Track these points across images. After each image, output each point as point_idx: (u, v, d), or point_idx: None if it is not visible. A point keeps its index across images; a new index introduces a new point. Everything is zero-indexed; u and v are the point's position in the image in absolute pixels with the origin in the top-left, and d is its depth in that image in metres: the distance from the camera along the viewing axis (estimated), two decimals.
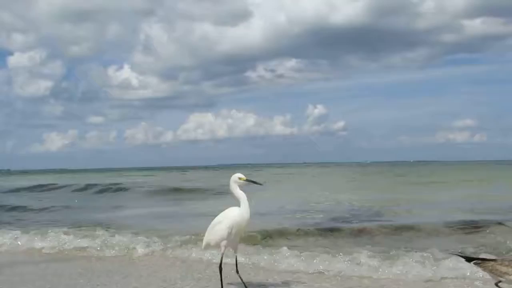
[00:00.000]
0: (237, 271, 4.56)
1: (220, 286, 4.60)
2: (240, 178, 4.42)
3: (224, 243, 4.44)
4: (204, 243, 4.70)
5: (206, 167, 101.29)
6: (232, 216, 4.42)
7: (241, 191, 4.40)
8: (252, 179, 4.50)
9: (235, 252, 4.59)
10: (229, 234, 4.40)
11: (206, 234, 4.64)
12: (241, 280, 4.60)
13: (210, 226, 4.59)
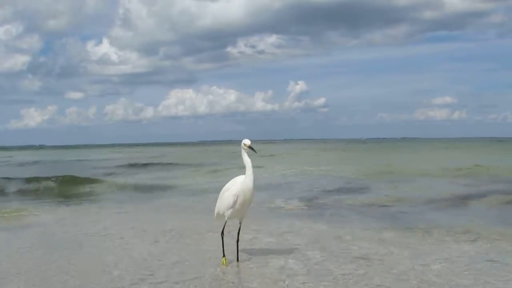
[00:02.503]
0: (238, 240, 4.56)
1: (222, 252, 4.67)
2: (244, 144, 4.29)
3: (229, 212, 4.35)
4: (215, 212, 4.60)
5: (186, 144, 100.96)
6: (238, 184, 4.31)
7: (247, 158, 4.27)
8: (252, 147, 4.30)
9: (240, 222, 4.52)
10: (235, 202, 4.29)
11: (217, 202, 4.54)
12: (237, 250, 4.65)
13: (220, 193, 4.48)
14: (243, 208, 4.32)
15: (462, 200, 9.03)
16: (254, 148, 4.25)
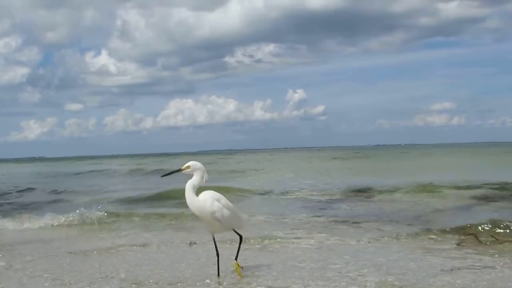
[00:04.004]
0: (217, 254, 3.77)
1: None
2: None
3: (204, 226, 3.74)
4: None
5: (186, 154, 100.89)
6: None
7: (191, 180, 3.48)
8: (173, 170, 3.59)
9: (213, 234, 3.71)
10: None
11: None
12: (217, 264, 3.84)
13: None
14: (204, 223, 3.66)
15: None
16: (168, 172, 3.59)
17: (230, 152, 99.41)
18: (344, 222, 7.22)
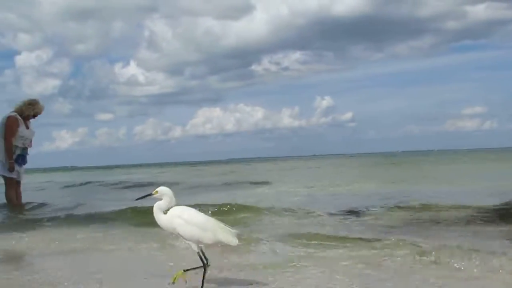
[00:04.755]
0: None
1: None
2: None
3: None
4: None
5: (215, 162, 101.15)
6: None
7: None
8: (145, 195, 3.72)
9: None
10: None
11: None
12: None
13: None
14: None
15: None
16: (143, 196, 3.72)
17: (259, 159, 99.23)
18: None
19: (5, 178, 9.26)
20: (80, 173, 46.34)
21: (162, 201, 3.59)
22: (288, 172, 29.30)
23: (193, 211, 3.68)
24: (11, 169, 9.07)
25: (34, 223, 8.18)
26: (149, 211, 3.89)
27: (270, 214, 7.93)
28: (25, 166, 9.53)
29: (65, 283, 4.30)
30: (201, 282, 3.64)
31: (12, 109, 9.24)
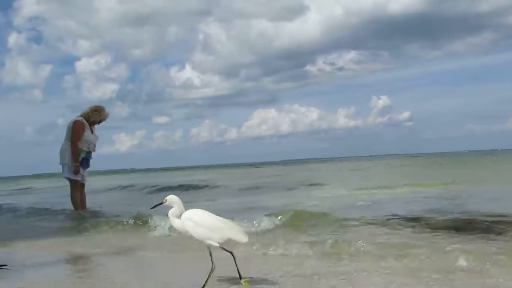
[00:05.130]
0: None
1: None
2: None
3: None
4: None
5: (270, 163, 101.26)
6: None
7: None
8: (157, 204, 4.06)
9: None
10: None
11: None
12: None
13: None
14: None
15: None
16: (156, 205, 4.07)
17: (314, 160, 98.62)
18: None
19: (70, 180, 9.51)
20: (140, 175, 47.45)
21: (174, 208, 3.90)
22: (346, 173, 28.74)
23: (202, 213, 3.91)
24: (76, 172, 9.32)
25: (97, 225, 8.34)
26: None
27: (342, 221, 7.11)
28: (89, 169, 9.76)
29: (131, 283, 4.29)
30: (204, 281, 3.88)
31: (79, 114, 9.50)
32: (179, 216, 3.91)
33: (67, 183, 9.70)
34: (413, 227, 6.47)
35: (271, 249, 5.52)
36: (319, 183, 16.91)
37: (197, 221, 3.84)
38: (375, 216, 7.29)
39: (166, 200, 3.94)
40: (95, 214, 9.82)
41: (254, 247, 5.54)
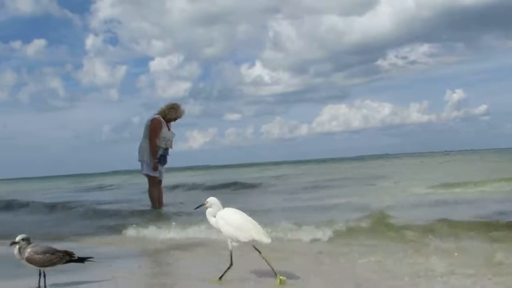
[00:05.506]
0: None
1: None
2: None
3: None
4: None
5: (341, 159, 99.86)
6: None
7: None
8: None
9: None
10: None
11: None
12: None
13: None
14: None
15: None
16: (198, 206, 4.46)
17: (387, 156, 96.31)
18: None
19: (149, 177, 9.79)
20: (213, 171, 48.20)
21: (211, 208, 4.27)
22: (421, 169, 27.59)
23: (233, 213, 4.24)
24: (155, 169, 9.59)
25: (174, 220, 8.53)
26: None
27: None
28: (165, 166, 10.01)
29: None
30: (222, 274, 4.25)
31: (156, 112, 9.74)
32: (215, 215, 4.26)
33: (144, 179, 10.01)
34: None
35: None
36: (393, 180, 16.39)
37: (227, 221, 4.18)
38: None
39: (207, 201, 4.32)
40: (171, 209, 10.07)
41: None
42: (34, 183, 47.57)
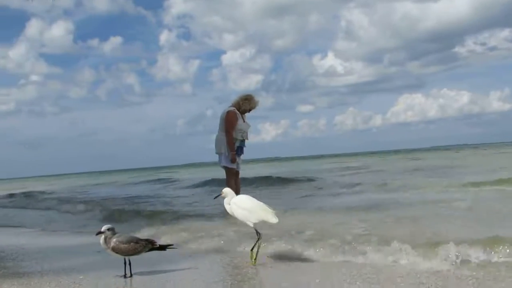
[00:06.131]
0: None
1: None
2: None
3: None
4: None
5: (417, 150, 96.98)
6: None
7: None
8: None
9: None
10: None
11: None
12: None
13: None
14: None
15: None
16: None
17: (466, 146, 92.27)
18: None
19: (226, 169, 9.84)
20: (285, 164, 48.27)
21: (227, 197, 4.81)
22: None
23: (244, 198, 4.82)
24: (233, 161, 9.62)
25: None
26: None
27: None
28: (242, 157, 10.04)
29: None
30: (257, 249, 4.69)
31: (230, 105, 9.77)
32: (229, 203, 4.79)
33: (222, 171, 10.09)
34: None
35: None
36: (479, 173, 15.38)
37: (239, 205, 4.72)
38: None
39: (222, 192, 4.88)
40: None
41: None
42: (116, 175, 49.73)
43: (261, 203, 4.75)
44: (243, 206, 4.74)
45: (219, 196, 4.93)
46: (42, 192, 20.67)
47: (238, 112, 9.64)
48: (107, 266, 4.62)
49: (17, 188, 28.65)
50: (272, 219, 4.61)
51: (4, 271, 4.60)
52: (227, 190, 4.90)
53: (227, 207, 4.82)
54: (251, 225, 4.70)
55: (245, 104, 9.72)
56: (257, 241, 4.70)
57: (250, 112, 9.94)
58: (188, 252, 5.48)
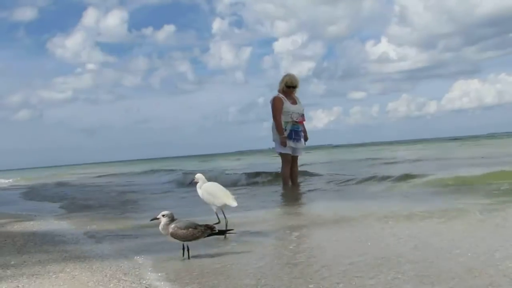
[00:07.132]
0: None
1: None
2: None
3: None
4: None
5: (474, 137, 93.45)
6: None
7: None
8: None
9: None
10: None
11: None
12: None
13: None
14: None
15: None
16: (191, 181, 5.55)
17: None
18: None
19: (281, 155, 9.76)
20: (339, 151, 47.72)
21: (199, 182, 5.26)
22: None
23: (211, 185, 5.27)
24: (283, 144, 9.57)
25: (306, 198, 8.32)
26: None
27: None
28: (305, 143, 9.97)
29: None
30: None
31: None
32: (201, 188, 5.23)
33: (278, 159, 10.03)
34: None
35: None
36: None
37: (206, 190, 5.21)
38: None
39: (195, 177, 5.29)
40: (304, 189, 9.92)
41: None
42: (171, 161, 50.60)
43: (225, 189, 5.29)
44: (208, 190, 5.26)
45: (192, 182, 5.38)
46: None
47: (282, 96, 9.67)
48: (163, 249, 4.65)
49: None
50: (233, 203, 5.13)
51: (66, 255, 4.66)
52: (199, 176, 5.35)
53: (199, 191, 5.27)
54: (214, 209, 5.21)
55: (282, 84, 9.80)
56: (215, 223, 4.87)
57: (295, 89, 9.89)
58: (244, 236, 5.38)
